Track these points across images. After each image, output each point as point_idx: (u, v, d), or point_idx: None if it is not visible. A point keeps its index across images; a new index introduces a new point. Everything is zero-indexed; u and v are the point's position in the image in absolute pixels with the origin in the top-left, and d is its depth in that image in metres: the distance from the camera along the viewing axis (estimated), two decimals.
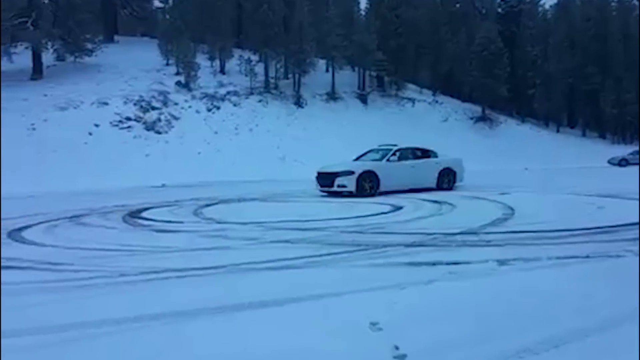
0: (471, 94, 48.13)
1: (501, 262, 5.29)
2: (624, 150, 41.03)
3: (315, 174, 14.99)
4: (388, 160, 14.80)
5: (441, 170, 15.43)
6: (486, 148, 38.56)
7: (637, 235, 6.41)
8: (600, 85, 51.39)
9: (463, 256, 5.70)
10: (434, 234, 7.27)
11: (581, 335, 3.31)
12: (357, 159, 15.79)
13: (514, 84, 47.22)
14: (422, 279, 4.79)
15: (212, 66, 38.51)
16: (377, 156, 15.30)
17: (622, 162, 36.70)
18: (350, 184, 13.89)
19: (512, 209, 9.86)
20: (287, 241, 7.17)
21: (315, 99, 39.01)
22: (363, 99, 41.79)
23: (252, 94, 36.55)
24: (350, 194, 13.90)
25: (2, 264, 6.14)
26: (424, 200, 12.29)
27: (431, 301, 4.22)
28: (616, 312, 3.76)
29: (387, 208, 10.90)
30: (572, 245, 6.22)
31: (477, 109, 45.85)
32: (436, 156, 15.94)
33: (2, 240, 8.06)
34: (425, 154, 15.85)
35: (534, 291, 4.42)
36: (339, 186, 14.01)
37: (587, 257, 5.47)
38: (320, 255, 6.00)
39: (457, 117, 44.15)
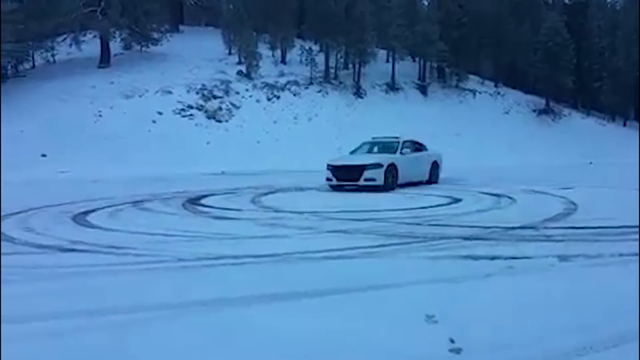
0: (534, 86, 46.80)
1: (562, 258, 5.15)
2: None
3: (329, 167, 13.81)
4: (401, 153, 14.27)
5: (432, 164, 15.27)
6: (549, 141, 37.43)
7: None
8: None
9: (523, 251, 5.58)
10: (493, 227, 7.14)
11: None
12: (353, 152, 15.31)
13: (579, 76, 45.58)
14: (479, 272, 4.72)
15: (273, 56, 38.70)
16: (380, 149, 14.74)
17: None
18: (379, 177, 13.16)
19: (574, 203, 9.57)
20: (343, 231, 7.18)
21: (374, 90, 38.72)
22: (423, 90, 41.22)
23: (311, 83, 36.59)
24: (374, 188, 13.04)
25: (67, 246, 6.41)
26: (481, 193, 12.06)
27: (488, 295, 4.16)
28: None
29: (444, 200, 10.78)
30: (636, 242, 5.99)
31: (540, 101, 44.53)
32: (427, 150, 15.62)
33: (68, 223, 8.43)
34: (419, 147, 15.45)
35: (595, 288, 4.29)
36: (366, 180, 13.09)
37: None
38: (377, 246, 5.99)
39: (519, 110, 43.00)
